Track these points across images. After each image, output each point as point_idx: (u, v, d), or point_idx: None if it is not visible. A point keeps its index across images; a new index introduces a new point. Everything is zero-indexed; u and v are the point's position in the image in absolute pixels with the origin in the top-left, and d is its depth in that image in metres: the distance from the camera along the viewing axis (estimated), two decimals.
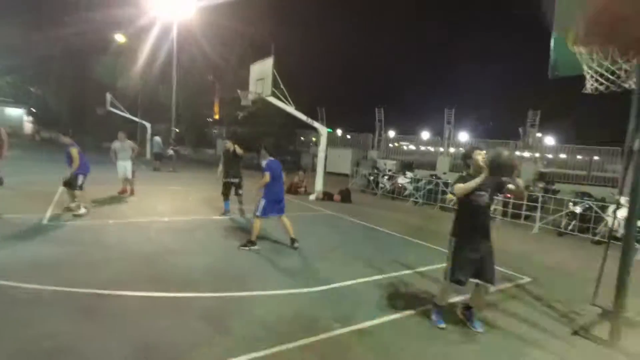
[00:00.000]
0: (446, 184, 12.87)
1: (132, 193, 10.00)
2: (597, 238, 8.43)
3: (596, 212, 8.84)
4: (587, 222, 9.03)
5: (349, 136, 26.41)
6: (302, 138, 31.03)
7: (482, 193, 3.55)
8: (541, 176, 15.94)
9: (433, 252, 6.73)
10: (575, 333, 3.90)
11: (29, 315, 3.40)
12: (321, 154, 12.99)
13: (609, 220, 7.84)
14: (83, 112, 30.85)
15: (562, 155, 19.77)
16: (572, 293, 5.09)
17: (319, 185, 12.73)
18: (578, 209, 9.17)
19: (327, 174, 20.60)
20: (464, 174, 3.72)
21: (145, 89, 28.35)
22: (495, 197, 3.79)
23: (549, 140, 22.50)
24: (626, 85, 3.11)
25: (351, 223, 9.06)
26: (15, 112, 40.16)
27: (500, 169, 3.36)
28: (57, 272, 4.41)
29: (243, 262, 5.40)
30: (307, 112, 13.27)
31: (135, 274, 4.57)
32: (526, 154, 20.00)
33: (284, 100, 12.24)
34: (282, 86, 12.20)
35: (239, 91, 13.02)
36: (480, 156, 3.57)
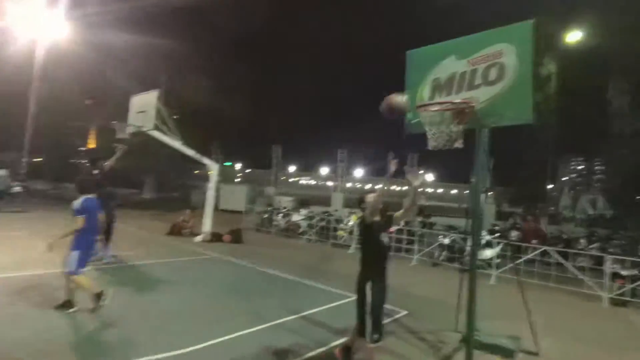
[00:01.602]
0: (338, 221, 13.61)
1: None
2: (461, 267, 9.70)
3: (459, 244, 10.25)
4: (455, 253, 10.37)
5: (248, 171, 26.51)
6: (196, 172, 29.83)
7: (384, 235, 3.88)
8: (421, 210, 17.83)
9: (321, 293, 6.96)
10: None
11: None
12: (210, 192, 12.67)
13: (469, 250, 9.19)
14: None
15: (439, 190, 22.63)
16: (441, 322, 5.73)
17: (206, 225, 12.20)
18: (446, 241, 10.53)
19: (221, 211, 20.19)
20: (361, 214, 3.98)
21: None
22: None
23: (429, 177, 25.55)
24: (455, 145, 3.88)
25: (239, 266, 8.89)
26: None
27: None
28: None
29: (100, 327, 4.68)
30: (200, 146, 12.92)
31: None
32: None
33: (171, 134, 11.84)
34: (168, 120, 11.80)
35: (114, 123, 12.18)
36: (373, 198, 3.85)
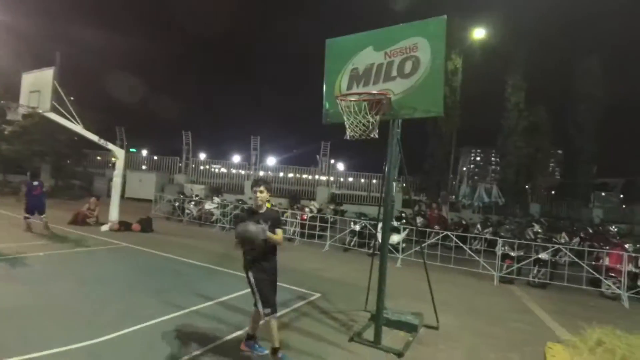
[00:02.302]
0: None
1: None
2: (371, 251, 10.27)
3: (369, 230, 10.82)
4: (365, 238, 10.94)
5: (155, 157, 24.94)
6: (98, 158, 27.41)
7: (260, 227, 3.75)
8: (333, 198, 18.48)
9: (236, 279, 6.88)
10: (351, 339, 4.66)
11: None
12: (117, 179, 11.99)
13: (378, 236, 9.75)
14: None
15: (350, 179, 23.61)
16: (352, 303, 6.05)
17: (113, 214, 11.55)
18: (357, 227, 11.05)
19: (128, 200, 18.92)
20: (247, 207, 3.99)
21: None
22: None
23: (340, 166, 26.49)
24: (372, 135, 4.07)
25: (150, 255, 8.56)
26: None
27: (245, 243, 3.64)
28: None
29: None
30: (104, 131, 12.06)
31: None
32: (322, 178, 22.94)
33: (70, 117, 10.86)
34: (67, 102, 10.88)
35: (3, 102, 10.87)
36: (258, 193, 3.83)
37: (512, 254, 8.88)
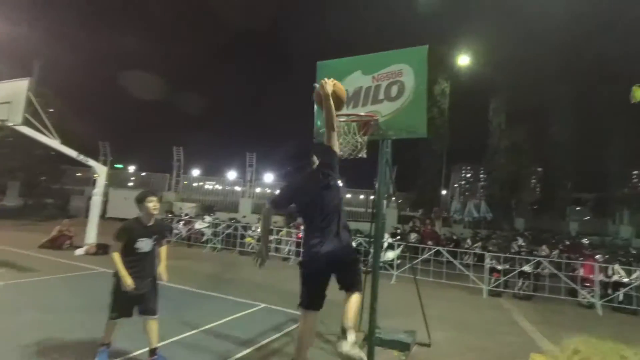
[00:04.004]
0: (245, 228, 13.51)
1: None
2: (365, 269, 10.33)
3: (365, 247, 10.93)
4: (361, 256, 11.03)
5: (143, 174, 24.66)
6: (78, 174, 26.65)
7: (144, 240, 4.09)
8: None
9: (226, 303, 6.87)
10: None
11: None
12: (96, 197, 11.46)
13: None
14: None
15: (348, 195, 23.88)
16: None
17: (90, 235, 10.85)
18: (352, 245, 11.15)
19: (110, 219, 18.53)
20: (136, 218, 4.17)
21: None
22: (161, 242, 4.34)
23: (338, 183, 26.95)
24: (360, 155, 4.28)
25: None
26: None
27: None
28: None
29: None
30: (86, 146, 11.79)
31: None
32: None
33: (45, 131, 10.56)
34: (43, 114, 10.55)
35: None
36: (152, 203, 4.07)
37: (499, 267, 9.22)
